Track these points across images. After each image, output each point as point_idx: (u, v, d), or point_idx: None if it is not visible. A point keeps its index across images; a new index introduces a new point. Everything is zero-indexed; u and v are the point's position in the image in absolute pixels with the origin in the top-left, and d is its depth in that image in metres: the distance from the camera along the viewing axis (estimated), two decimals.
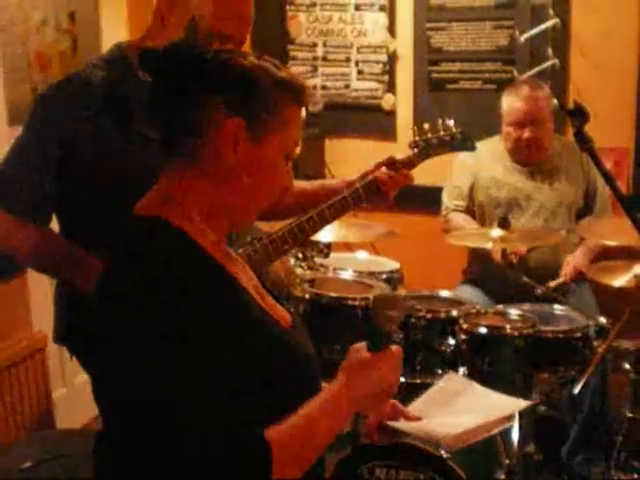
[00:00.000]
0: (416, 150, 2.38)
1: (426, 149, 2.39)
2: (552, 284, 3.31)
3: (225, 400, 1.27)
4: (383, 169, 2.31)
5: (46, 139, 1.96)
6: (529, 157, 3.51)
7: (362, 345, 1.46)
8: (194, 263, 1.33)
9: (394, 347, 1.46)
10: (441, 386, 1.87)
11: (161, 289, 1.26)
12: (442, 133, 2.41)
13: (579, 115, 2.04)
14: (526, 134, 3.43)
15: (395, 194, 2.33)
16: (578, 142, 2.06)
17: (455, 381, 1.91)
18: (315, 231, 2.32)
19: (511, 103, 3.47)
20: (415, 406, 1.76)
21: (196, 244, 1.36)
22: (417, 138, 2.40)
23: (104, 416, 1.38)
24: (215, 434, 1.25)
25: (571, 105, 2.04)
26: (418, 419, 1.67)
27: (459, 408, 1.75)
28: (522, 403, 1.89)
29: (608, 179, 2.16)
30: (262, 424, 1.30)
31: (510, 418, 1.75)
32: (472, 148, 2.53)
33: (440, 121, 2.43)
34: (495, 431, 1.71)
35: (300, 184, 2.43)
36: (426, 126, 2.43)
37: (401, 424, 1.64)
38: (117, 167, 1.93)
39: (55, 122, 1.96)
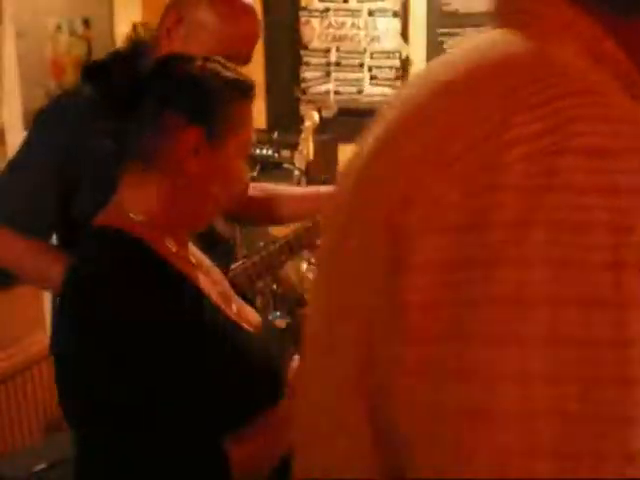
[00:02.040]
0: None
1: None
2: None
3: (187, 407, 1.27)
4: None
5: (44, 157, 1.95)
6: None
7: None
8: (151, 270, 1.33)
9: None
10: None
11: (117, 295, 1.26)
12: None
13: None
14: None
15: None
16: None
17: None
18: (312, 242, 2.28)
19: None
20: None
21: (154, 252, 1.35)
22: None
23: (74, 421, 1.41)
24: (179, 446, 1.25)
25: None
26: None
27: None
28: None
29: None
30: (223, 428, 1.31)
31: None
32: None
33: None
34: None
35: (297, 191, 2.45)
36: None
37: None
38: (113, 184, 1.93)
39: (53, 140, 1.95)
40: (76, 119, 1.90)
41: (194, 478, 1.27)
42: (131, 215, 1.37)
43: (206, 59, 1.41)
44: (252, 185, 2.31)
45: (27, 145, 2.02)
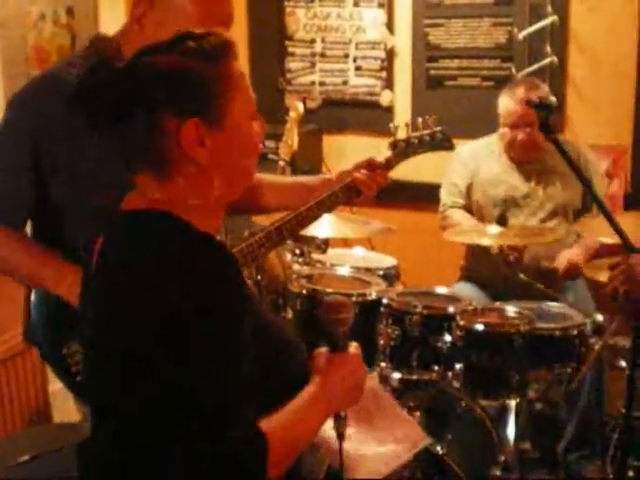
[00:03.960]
0: (395, 150, 2.36)
1: (405, 150, 2.37)
2: (545, 264, 3.33)
3: (238, 395, 1.28)
4: (362, 171, 2.29)
5: (19, 140, 1.94)
6: (524, 156, 3.51)
7: (324, 349, 1.50)
8: (214, 253, 1.34)
9: (352, 345, 1.51)
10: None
11: (183, 280, 1.26)
12: (423, 132, 2.38)
13: (543, 108, 2.25)
14: (520, 136, 3.43)
15: (374, 194, 2.32)
16: (543, 132, 2.30)
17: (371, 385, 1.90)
18: (292, 234, 2.31)
19: (506, 105, 3.47)
20: None
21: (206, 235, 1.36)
22: (398, 137, 2.38)
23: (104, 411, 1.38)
24: (222, 430, 1.25)
25: (537, 100, 2.31)
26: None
27: (376, 430, 1.77)
28: (427, 440, 1.92)
29: (579, 174, 2.30)
30: (259, 412, 1.31)
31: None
32: (450, 148, 2.49)
33: (420, 119, 2.39)
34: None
35: (279, 180, 2.48)
36: (407, 124, 2.41)
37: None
38: (90, 168, 1.92)
39: (28, 123, 1.94)
40: (51, 104, 1.88)
41: (237, 462, 1.26)
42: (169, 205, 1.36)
43: (171, 42, 1.36)
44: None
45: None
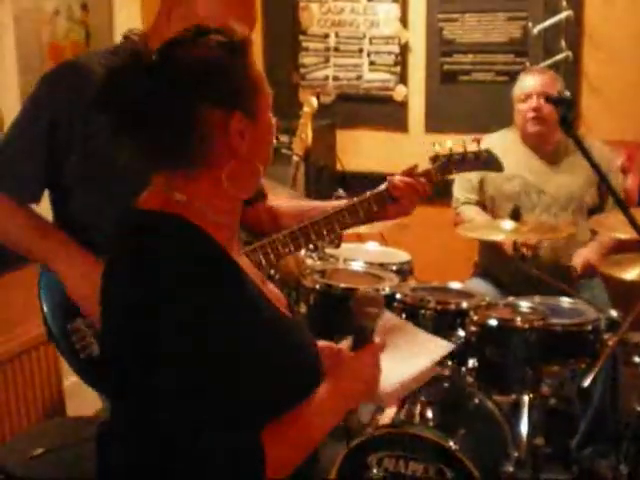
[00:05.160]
0: (435, 164, 2.23)
1: (447, 164, 2.24)
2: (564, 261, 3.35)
3: (239, 397, 1.29)
4: (399, 177, 2.15)
5: (40, 114, 1.96)
6: (538, 136, 3.51)
7: (344, 344, 1.53)
8: (217, 258, 1.34)
9: (377, 341, 1.52)
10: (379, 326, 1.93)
11: (189, 284, 1.27)
12: (467, 150, 2.26)
13: (563, 103, 2.17)
14: (533, 103, 3.45)
15: (413, 205, 2.15)
16: (563, 129, 2.22)
17: (387, 319, 1.94)
18: (317, 238, 2.15)
19: (520, 81, 3.55)
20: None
21: (213, 240, 1.36)
22: (439, 152, 2.24)
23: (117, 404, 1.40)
24: (221, 434, 1.27)
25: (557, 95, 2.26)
26: None
27: (395, 352, 1.83)
28: (449, 346, 1.99)
29: (597, 170, 2.27)
30: (265, 416, 1.33)
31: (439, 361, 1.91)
32: (499, 169, 2.34)
33: (465, 138, 2.29)
34: (423, 382, 1.83)
35: (299, 204, 2.32)
36: (449, 143, 2.26)
37: None
38: (105, 153, 1.92)
39: (51, 100, 1.95)
40: (76, 87, 1.90)
41: (232, 468, 1.28)
42: (186, 205, 1.35)
43: (194, 36, 1.35)
44: (284, 199, 2.26)
45: (22, 109, 2.03)
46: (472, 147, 2.26)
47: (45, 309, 2.12)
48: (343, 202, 2.18)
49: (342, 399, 1.44)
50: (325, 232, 2.11)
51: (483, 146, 2.26)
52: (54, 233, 2.02)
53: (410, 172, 2.17)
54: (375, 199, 2.13)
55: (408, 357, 1.83)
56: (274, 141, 1.46)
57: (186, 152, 1.33)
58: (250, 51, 1.37)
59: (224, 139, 1.32)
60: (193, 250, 1.32)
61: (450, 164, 2.24)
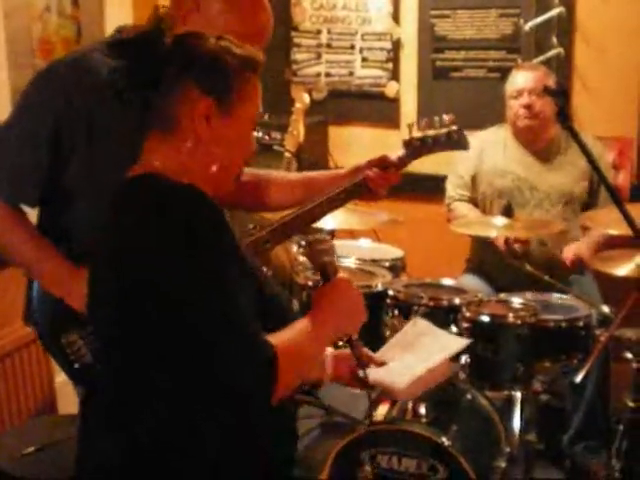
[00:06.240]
0: (409, 149, 2.28)
1: (419, 148, 2.28)
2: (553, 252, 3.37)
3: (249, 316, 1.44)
4: (374, 169, 2.25)
5: (41, 115, 1.93)
6: (529, 128, 3.52)
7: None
8: (216, 207, 1.48)
9: (340, 274, 1.67)
10: (406, 330, 2.13)
11: (199, 229, 1.42)
12: (439, 132, 2.29)
13: (560, 95, 2.18)
14: (525, 100, 3.46)
15: (385, 193, 2.29)
16: (560, 120, 2.24)
17: (419, 325, 2.15)
18: (299, 230, 2.33)
19: (512, 77, 3.57)
20: (383, 350, 2.04)
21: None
22: (413, 136, 2.30)
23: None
24: (245, 342, 1.41)
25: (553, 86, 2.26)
26: (383, 363, 1.91)
27: (417, 351, 1.92)
28: (464, 341, 2.17)
29: (592, 162, 2.27)
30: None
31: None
32: (465, 147, 2.38)
33: (437, 118, 2.30)
34: (442, 378, 2.00)
35: (286, 176, 2.47)
36: (423, 122, 2.31)
37: (369, 371, 1.82)
38: (108, 150, 1.92)
39: (51, 100, 1.92)
40: (76, 83, 1.90)
41: (253, 373, 1.41)
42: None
43: (219, 37, 1.55)
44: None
45: (18, 109, 2.00)
46: (443, 127, 2.30)
47: (39, 322, 2.12)
48: (334, 172, 2.41)
49: (329, 320, 1.58)
50: (305, 225, 2.29)
51: (475, 142, 2.26)
52: (53, 257, 2.00)
53: (384, 161, 2.27)
54: (353, 190, 2.26)
55: (424, 353, 1.88)
56: (246, 155, 1.60)
57: (166, 115, 1.51)
58: (256, 70, 1.57)
59: (190, 112, 1.49)
60: (183, 188, 1.47)
61: (423, 147, 2.30)
